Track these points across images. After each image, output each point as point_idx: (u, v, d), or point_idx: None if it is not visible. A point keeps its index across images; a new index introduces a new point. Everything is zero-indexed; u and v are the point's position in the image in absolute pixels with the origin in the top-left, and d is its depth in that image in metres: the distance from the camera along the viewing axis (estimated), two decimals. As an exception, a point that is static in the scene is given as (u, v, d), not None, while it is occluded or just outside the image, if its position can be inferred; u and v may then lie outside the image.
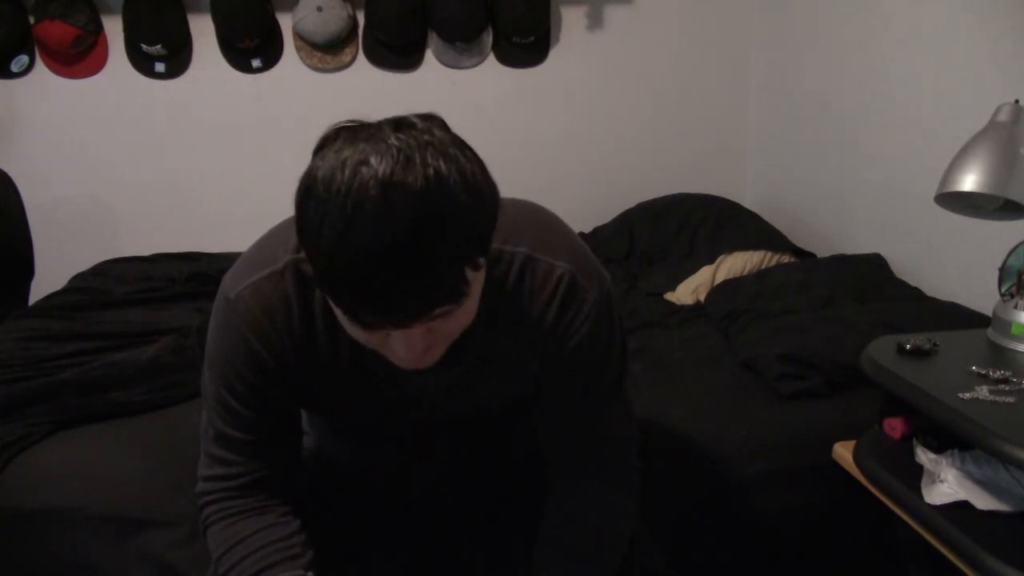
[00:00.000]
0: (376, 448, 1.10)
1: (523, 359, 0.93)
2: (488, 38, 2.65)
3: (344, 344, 0.87)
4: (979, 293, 1.80)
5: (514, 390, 0.98)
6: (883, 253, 2.15)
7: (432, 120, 0.73)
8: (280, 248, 0.88)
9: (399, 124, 0.71)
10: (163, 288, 2.18)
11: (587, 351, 0.92)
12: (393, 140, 0.69)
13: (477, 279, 0.75)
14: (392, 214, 0.66)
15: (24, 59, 2.47)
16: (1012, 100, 1.29)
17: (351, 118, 0.75)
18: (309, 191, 0.69)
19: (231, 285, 0.89)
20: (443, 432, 1.04)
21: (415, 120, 0.72)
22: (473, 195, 0.70)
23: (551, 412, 0.99)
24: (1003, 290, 1.37)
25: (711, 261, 2.31)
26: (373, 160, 0.67)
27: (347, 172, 0.67)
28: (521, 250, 0.88)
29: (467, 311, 0.77)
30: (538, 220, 0.94)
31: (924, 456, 1.28)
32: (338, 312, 0.75)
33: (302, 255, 0.86)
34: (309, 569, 0.92)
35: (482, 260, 0.73)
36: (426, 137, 0.70)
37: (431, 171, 0.67)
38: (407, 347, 0.75)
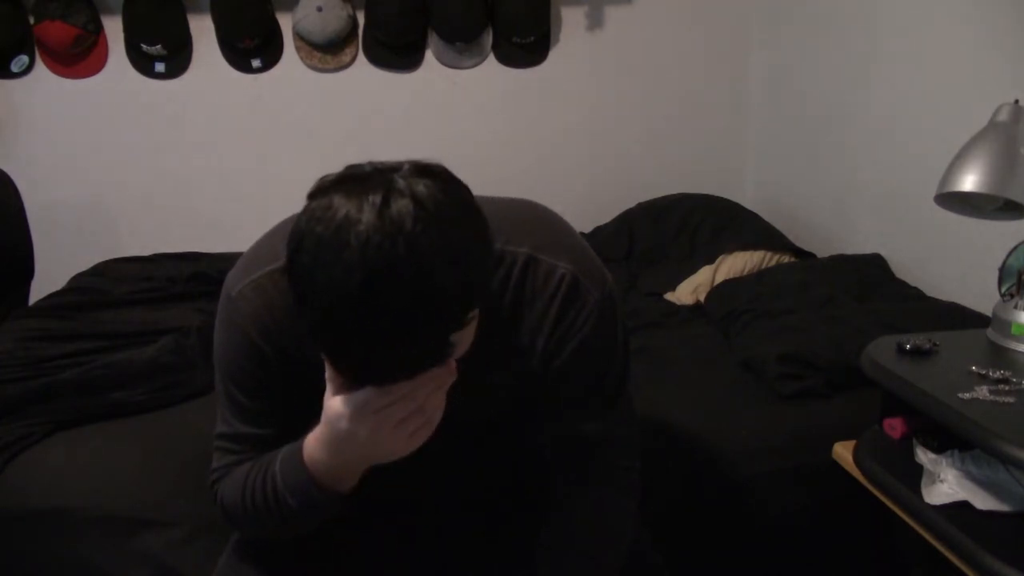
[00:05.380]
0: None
1: (525, 360, 0.93)
2: (488, 38, 2.65)
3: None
4: (979, 293, 1.80)
5: (516, 391, 0.98)
6: (883, 253, 2.14)
7: (433, 176, 0.70)
8: (281, 245, 0.86)
9: (390, 187, 0.67)
10: (163, 288, 2.18)
11: (589, 352, 0.92)
12: (385, 211, 0.65)
13: (470, 324, 0.75)
14: (375, 302, 0.65)
15: (24, 59, 2.47)
16: (1012, 100, 1.29)
17: (348, 164, 0.72)
18: (299, 249, 0.69)
19: (233, 283, 0.91)
20: (444, 432, 1.04)
21: (412, 181, 0.68)
22: (461, 272, 0.68)
23: (553, 413, 0.99)
24: (1003, 290, 1.37)
25: (711, 261, 2.31)
26: (355, 242, 0.65)
27: (331, 253, 0.66)
28: (523, 250, 0.88)
29: (459, 350, 0.76)
30: (540, 220, 0.94)
31: (924, 456, 1.28)
32: None
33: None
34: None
35: (473, 314, 0.73)
36: (418, 209, 0.66)
37: (419, 252, 0.65)
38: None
